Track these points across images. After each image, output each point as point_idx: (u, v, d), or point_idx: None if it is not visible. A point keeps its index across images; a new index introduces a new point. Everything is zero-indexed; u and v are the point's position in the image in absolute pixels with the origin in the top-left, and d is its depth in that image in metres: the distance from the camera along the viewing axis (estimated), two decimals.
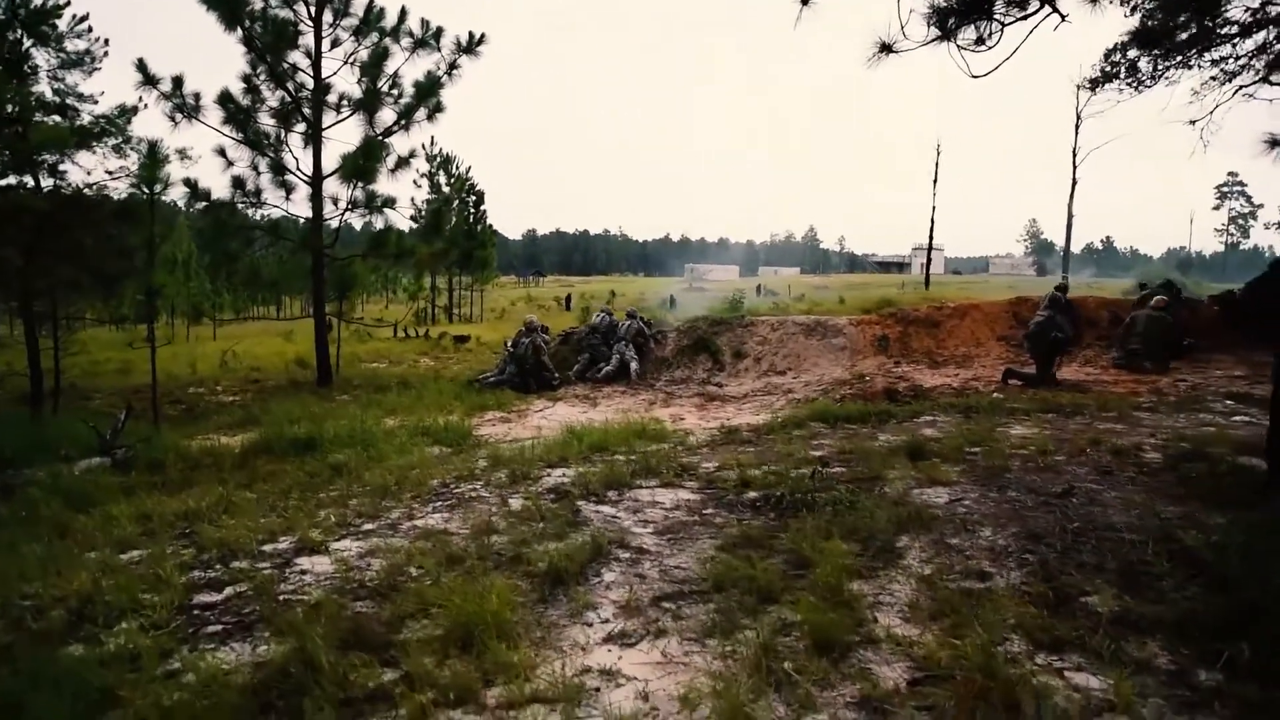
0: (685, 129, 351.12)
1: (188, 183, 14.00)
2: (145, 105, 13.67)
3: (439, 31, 15.32)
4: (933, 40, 7.21)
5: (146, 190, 10.85)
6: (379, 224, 15.30)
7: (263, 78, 14.55)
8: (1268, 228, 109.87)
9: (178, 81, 13.73)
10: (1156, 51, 15.06)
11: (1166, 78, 15.52)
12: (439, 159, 37.55)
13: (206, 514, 5.94)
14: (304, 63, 14.82)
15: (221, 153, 14.35)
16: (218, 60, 16.36)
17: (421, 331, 24.77)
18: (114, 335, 24.59)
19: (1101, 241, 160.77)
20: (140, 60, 13.53)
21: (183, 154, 12.99)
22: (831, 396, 11.75)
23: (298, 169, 15.01)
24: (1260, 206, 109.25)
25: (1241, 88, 16.16)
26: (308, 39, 14.73)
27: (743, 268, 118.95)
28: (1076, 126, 46.50)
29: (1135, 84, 15.64)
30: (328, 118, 15.11)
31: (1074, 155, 46.32)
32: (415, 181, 36.79)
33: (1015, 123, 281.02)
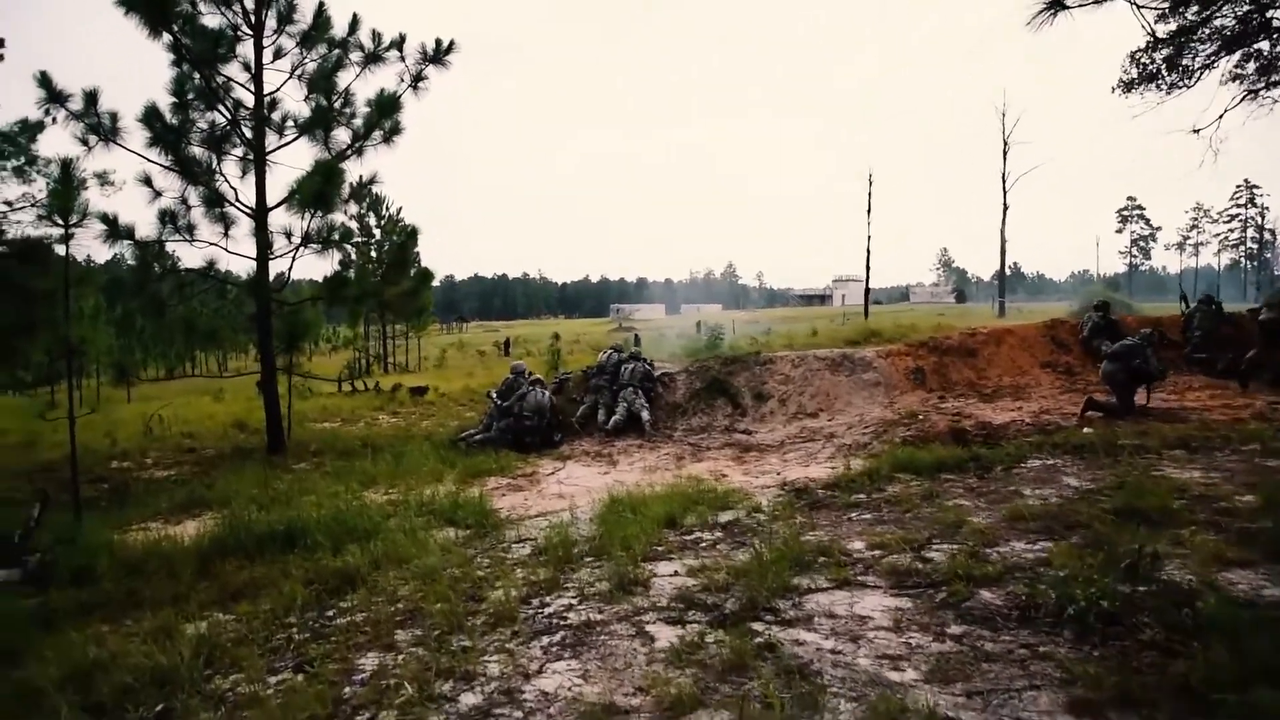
0: (599, 169, 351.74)
1: (105, 219, 11.72)
2: (54, 120, 11.35)
3: (401, 39, 13.40)
4: None
5: (59, 222, 8.58)
6: (332, 263, 13.20)
7: (193, 95, 12.41)
8: (1167, 249, 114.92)
9: (91, 97, 11.43)
10: (1198, 40, 14.30)
11: (1210, 70, 14.79)
12: (369, 199, 35.31)
13: (186, 672, 3.90)
14: (243, 77, 12.74)
15: (147, 181, 12.04)
16: (144, 80, 14.24)
17: (371, 385, 22.42)
18: (12, 402, 21.69)
19: (1010, 267, 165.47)
20: (43, 74, 11.28)
21: (102, 179, 10.74)
22: (887, 440, 10.08)
23: (237, 200, 12.86)
24: (1159, 229, 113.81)
25: (1252, 92, 15.49)
26: (247, 49, 12.67)
27: (666, 306, 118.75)
28: (1004, 153, 47.05)
29: (1169, 85, 14.78)
30: (271, 140, 13.02)
31: (1004, 181, 46.78)
32: (345, 224, 34.38)
33: (921, 152, 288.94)
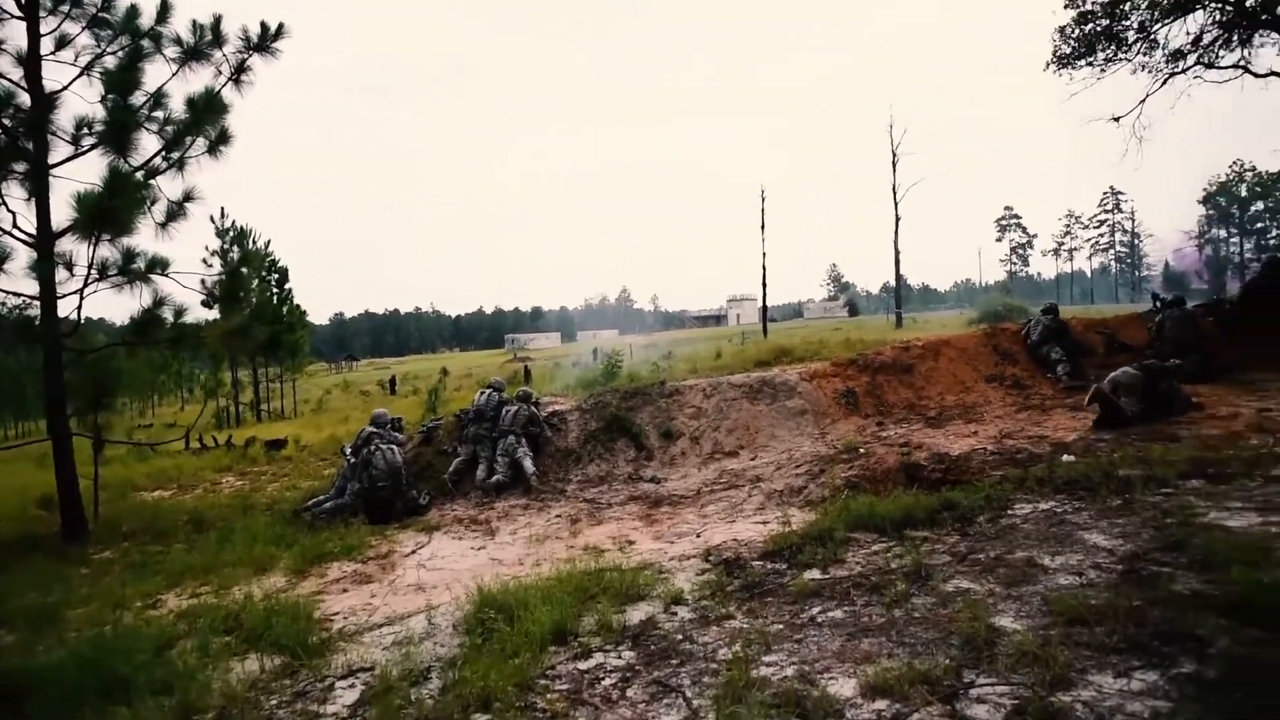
0: (488, 198, 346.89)
1: None
2: None
3: (217, 21, 11.06)
4: None
5: None
6: (141, 300, 10.67)
7: None
8: (1044, 255, 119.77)
9: None
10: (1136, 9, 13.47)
11: (1144, 41, 14.01)
12: (232, 232, 32.18)
13: None
14: (16, 73, 10.25)
15: None
16: None
17: (223, 440, 19.64)
18: None
19: (895, 279, 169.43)
20: None
21: None
22: (826, 483, 8.30)
23: (14, 227, 10.32)
24: (1035, 236, 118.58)
25: (1174, 74, 14.74)
26: (18, 34, 10.18)
27: (562, 334, 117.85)
28: (894, 165, 46.95)
29: (1104, 60, 13.90)
30: (59, 150, 10.52)
31: (894, 193, 46.61)
32: (205, 260, 31.12)
33: (805, 168, 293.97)
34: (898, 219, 46.58)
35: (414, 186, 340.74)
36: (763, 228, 45.53)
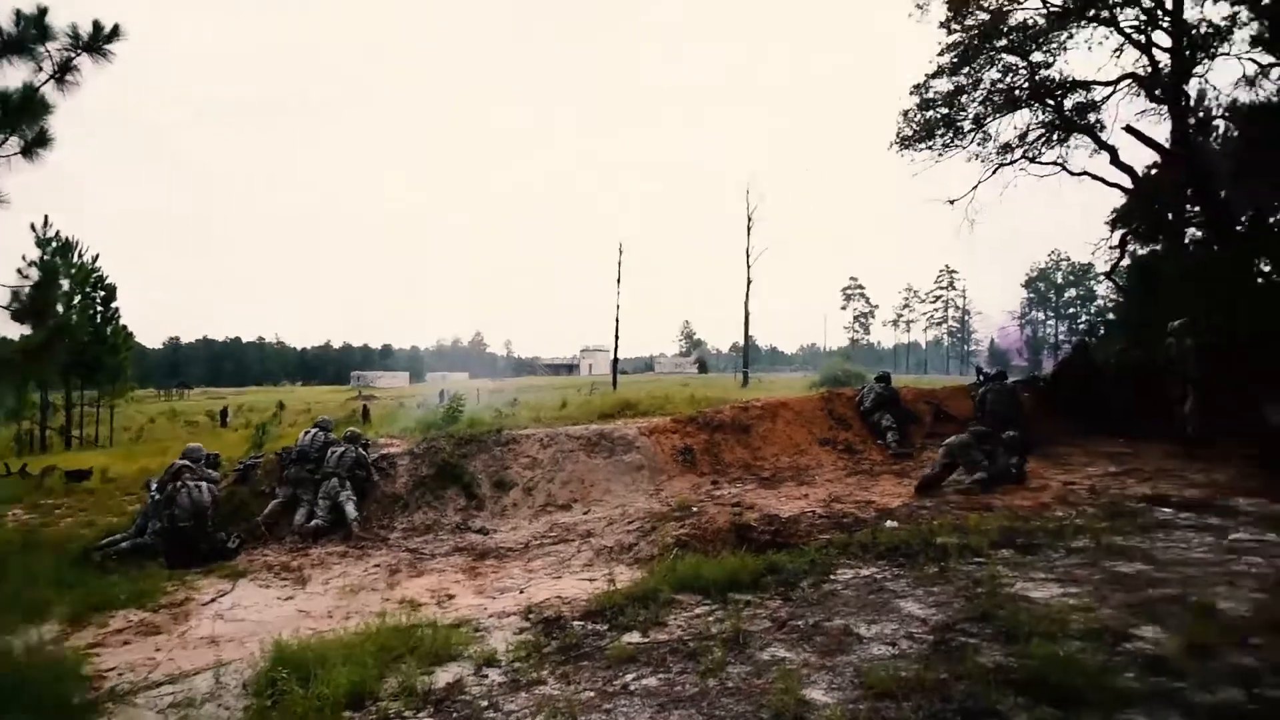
0: (343, 230, 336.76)
1: None
2: None
3: (42, 14, 10.30)
4: None
5: None
6: None
7: None
8: (885, 325, 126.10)
9: None
10: (974, 101, 14.56)
11: (979, 130, 15.11)
12: (54, 244, 29.84)
13: None
14: None
15: None
16: None
17: (18, 468, 17.95)
18: None
19: (744, 339, 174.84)
20: None
21: None
22: (656, 541, 8.22)
23: None
24: (877, 307, 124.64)
25: (1003, 165, 15.94)
26: None
27: (411, 374, 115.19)
28: (748, 229, 48.62)
29: (942, 146, 14.86)
30: None
31: (747, 256, 48.21)
32: (21, 271, 28.46)
33: (664, 226, 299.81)
34: (749, 281, 48.18)
35: (263, 209, 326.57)
36: (618, 281, 46.04)
